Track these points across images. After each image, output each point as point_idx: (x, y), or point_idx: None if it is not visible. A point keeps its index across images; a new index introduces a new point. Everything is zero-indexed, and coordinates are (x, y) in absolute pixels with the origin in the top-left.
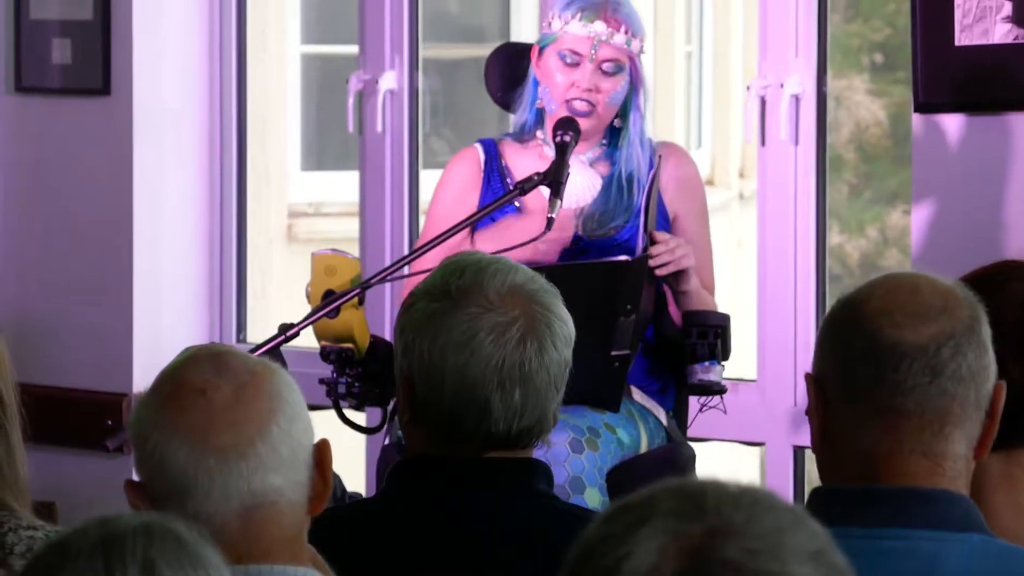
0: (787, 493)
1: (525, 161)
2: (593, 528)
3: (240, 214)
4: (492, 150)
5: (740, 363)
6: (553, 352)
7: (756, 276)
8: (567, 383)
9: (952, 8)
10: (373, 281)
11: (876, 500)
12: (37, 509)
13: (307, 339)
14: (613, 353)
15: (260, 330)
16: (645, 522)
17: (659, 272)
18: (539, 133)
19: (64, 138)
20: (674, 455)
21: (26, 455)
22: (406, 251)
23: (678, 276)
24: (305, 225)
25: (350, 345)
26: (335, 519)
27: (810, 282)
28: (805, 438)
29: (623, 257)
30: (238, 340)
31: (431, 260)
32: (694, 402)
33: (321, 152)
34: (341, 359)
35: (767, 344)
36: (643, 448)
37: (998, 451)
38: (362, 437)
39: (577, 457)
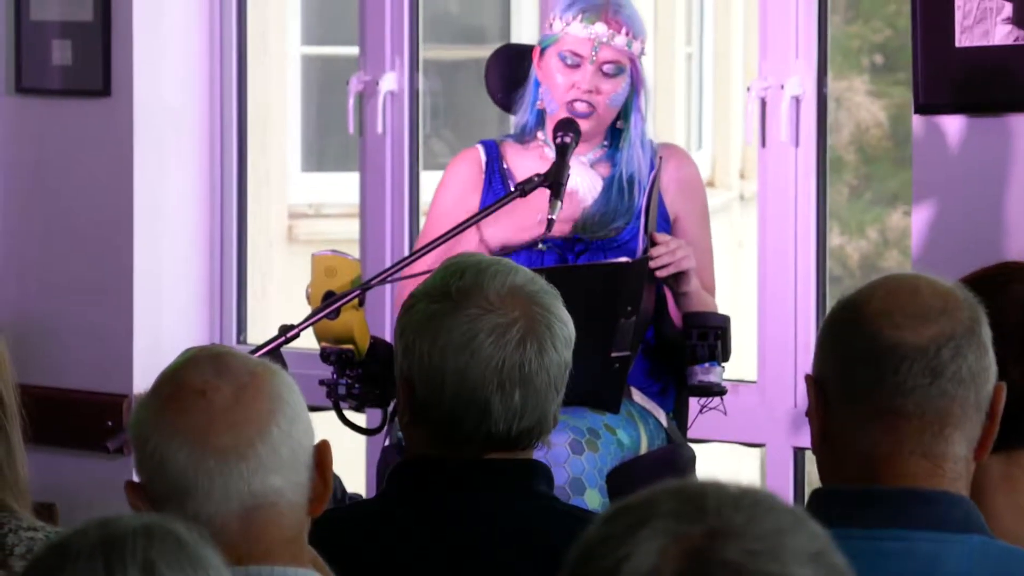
0: (787, 494)
1: (526, 162)
2: (593, 529)
3: (240, 215)
4: (493, 151)
5: (740, 364)
6: (553, 353)
7: (756, 277)
8: (567, 384)
9: (952, 9)
10: (373, 282)
11: (876, 501)
12: (37, 510)
13: (307, 340)
14: (613, 354)
15: (260, 331)
16: (645, 523)
17: (659, 274)
18: (540, 134)
19: (64, 139)
20: (674, 456)
21: (26, 456)
22: (406, 252)
23: (678, 277)
24: (305, 226)
25: (350, 346)
26: (335, 520)
27: (810, 283)
28: (805, 439)
29: (623, 259)
30: (238, 341)
31: (432, 261)
32: (694, 403)
33: (321, 153)
34: (341, 360)
35: (767, 345)
36: (643, 449)
37: (998, 452)
38: (362, 438)
39: (577, 458)
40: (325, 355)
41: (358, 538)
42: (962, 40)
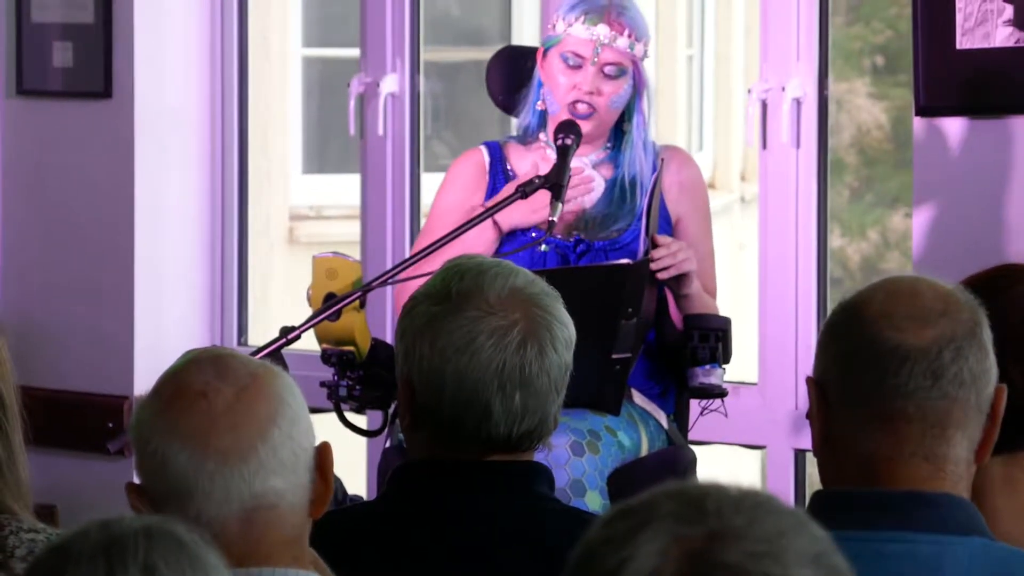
0: (788, 496)
1: (529, 163)
2: (594, 531)
3: (241, 217)
4: (497, 153)
5: (741, 366)
6: (553, 355)
7: (757, 279)
8: (568, 386)
9: (953, 12)
10: (374, 284)
11: (877, 503)
12: (38, 512)
13: (308, 342)
14: (614, 356)
15: (261, 333)
16: (646, 525)
17: (660, 276)
18: (542, 136)
19: (65, 141)
20: (675, 458)
21: (27, 457)
22: (407, 254)
23: (679, 279)
24: (306, 228)
25: (351, 348)
26: (336, 522)
27: (811, 285)
28: (806, 441)
29: (625, 260)
30: (239, 343)
31: (433, 262)
32: (695, 405)
33: (322, 155)
34: (342, 362)
35: (768, 347)
36: (644, 451)
37: (999, 454)
38: (363, 440)
39: (578, 460)
40: (326, 357)
41: (359, 540)
42: (963, 42)
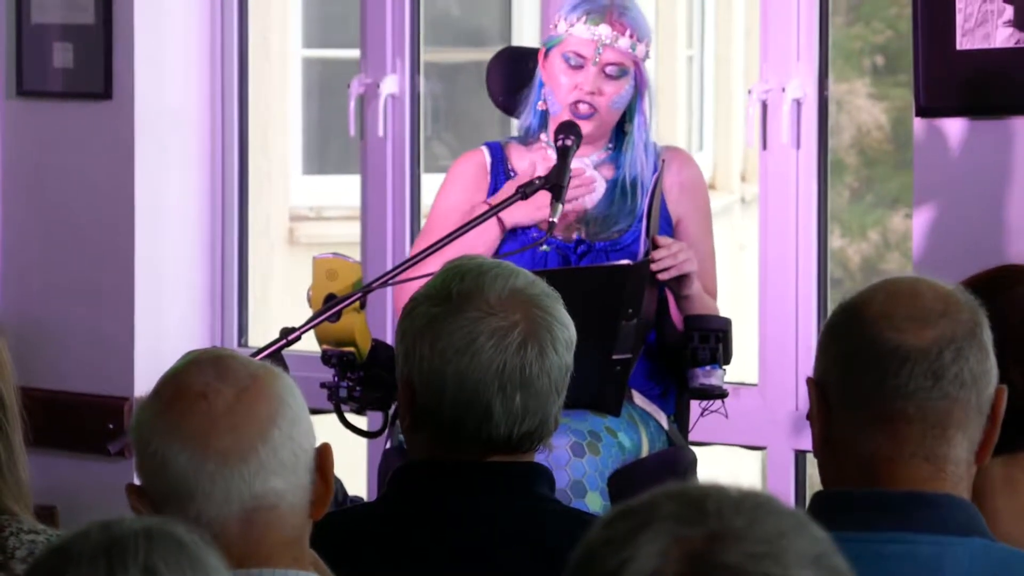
0: (788, 497)
1: (528, 163)
2: (595, 532)
3: (241, 218)
4: (498, 153)
5: (741, 367)
6: (554, 356)
7: (757, 280)
8: (568, 387)
9: (953, 13)
10: (374, 285)
11: (878, 504)
12: (38, 513)
13: (308, 343)
14: (615, 357)
15: (261, 334)
16: (647, 526)
17: (661, 276)
18: (543, 136)
19: (66, 142)
20: (675, 459)
21: (27, 458)
22: (407, 255)
23: (680, 280)
24: (306, 229)
25: (351, 349)
26: (336, 523)
27: (811, 286)
28: (806, 442)
29: (625, 261)
30: (239, 344)
31: (434, 263)
32: (695, 406)
33: (322, 156)
34: (342, 363)
35: (768, 348)
36: (644, 452)
37: (999, 455)
38: (363, 441)
39: (578, 461)
40: (326, 358)
41: (359, 541)
42: (963, 43)
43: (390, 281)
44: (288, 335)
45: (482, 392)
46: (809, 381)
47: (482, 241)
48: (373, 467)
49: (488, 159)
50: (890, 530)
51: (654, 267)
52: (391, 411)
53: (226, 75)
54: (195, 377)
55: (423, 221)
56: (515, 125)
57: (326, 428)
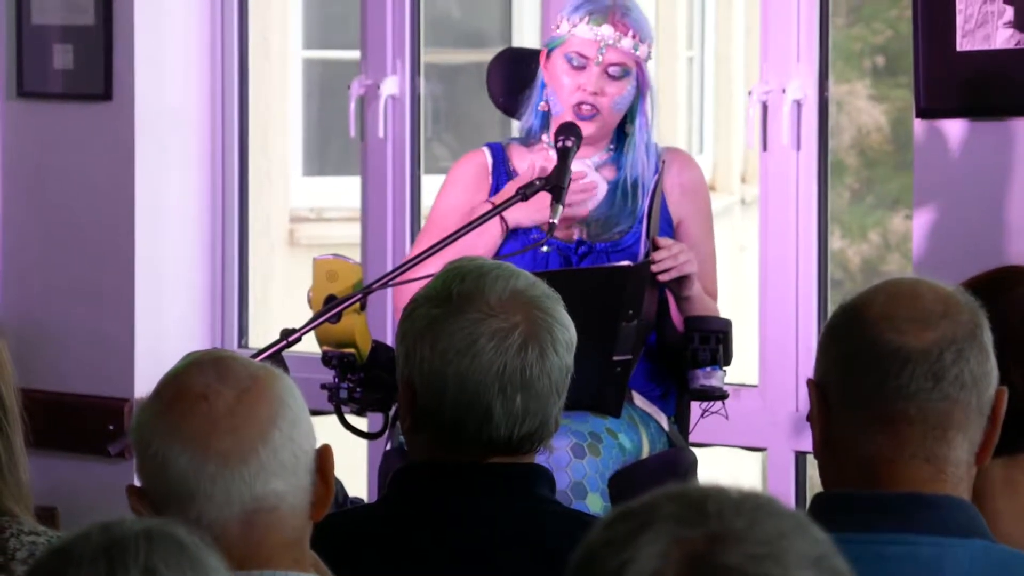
0: (789, 498)
1: (528, 164)
2: (595, 533)
3: (242, 219)
4: (499, 154)
5: (742, 368)
6: (554, 357)
7: (758, 281)
8: (569, 388)
9: (954, 14)
10: (375, 286)
11: (878, 506)
12: (39, 514)
13: (309, 344)
14: (615, 358)
15: (262, 335)
16: (647, 527)
17: (661, 278)
18: (545, 137)
19: (66, 143)
20: (676, 460)
21: (28, 460)
22: (408, 256)
23: (680, 281)
24: (307, 230)
25: (352, 350)
26: (337, 525)
27: (811, 287)
28: (807, 443)
29: (626, 262)
30: (240, 345)
31: (434, 264)
32: (696, 407)
33: (323, 157)
34: (343, 364)
35: (769, 349)
36: (645, 453)
37: (1000, 457)
38: (364, 442)
39: (579, 462)
40: (327, 359)
41: (359, 542)
42: (963, 44)
43: (390, 282)
44: (288, 336)
45: (483, 393)
46: (809, 382)
47: (483, 242)
48: (373, 468)
49: (489, 160)
50: (890, 531)
51: (654, 268)
52: (391, 412)
53: (226, 76)
54: (196, 378)
55: (423, 222)
56: (515, 126)
57: (326, 429)
